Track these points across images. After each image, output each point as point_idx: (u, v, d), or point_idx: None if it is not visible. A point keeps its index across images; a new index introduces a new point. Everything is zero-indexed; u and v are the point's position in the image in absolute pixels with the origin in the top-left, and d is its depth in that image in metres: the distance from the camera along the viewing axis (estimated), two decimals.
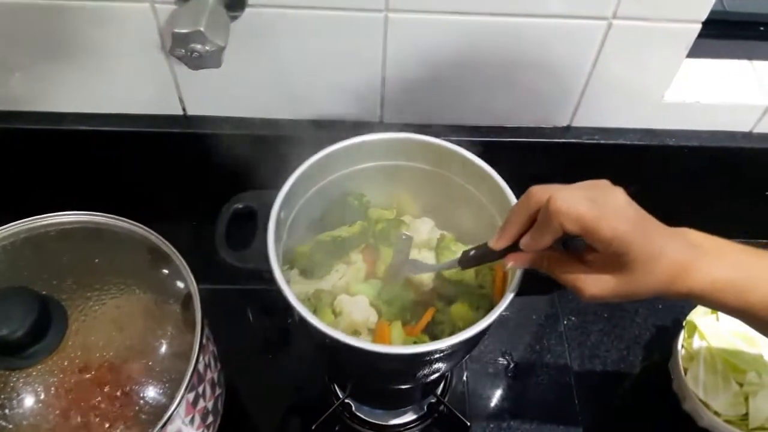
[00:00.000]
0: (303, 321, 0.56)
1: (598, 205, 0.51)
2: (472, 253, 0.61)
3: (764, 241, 0.98)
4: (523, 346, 0.90)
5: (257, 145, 0.85)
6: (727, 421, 0.77)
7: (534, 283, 0.62)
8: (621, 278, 0.52)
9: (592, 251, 0.53)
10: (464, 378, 0.86)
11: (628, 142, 0.86)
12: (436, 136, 0.70)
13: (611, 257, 0.52)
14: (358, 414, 0.80)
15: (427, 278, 0.71)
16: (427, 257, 0.72)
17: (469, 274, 0.69)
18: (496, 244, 0.57)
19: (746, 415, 0.77)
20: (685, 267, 0.52)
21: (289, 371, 0.84)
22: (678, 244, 0.53)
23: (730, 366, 0.79)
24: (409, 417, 0.81)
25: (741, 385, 0.78)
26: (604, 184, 0.54)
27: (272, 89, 0.82)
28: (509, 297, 0.58)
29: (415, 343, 0.65)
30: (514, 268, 0.58)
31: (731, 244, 0.55)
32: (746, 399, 0.78)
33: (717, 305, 0.54)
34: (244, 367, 0.83)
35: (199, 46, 0.64)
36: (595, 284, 0.53)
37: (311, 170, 0.66)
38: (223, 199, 0.69)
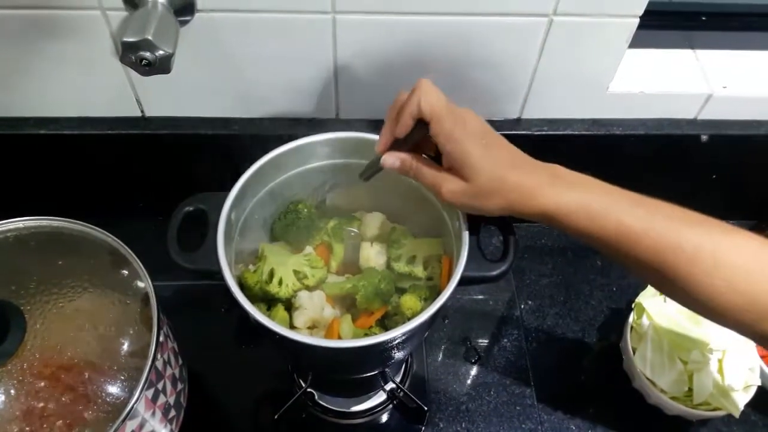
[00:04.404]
0: (255, 320, 0.58)
1: (452, 109, 0.58)
2: (367, 164, 0.67)
3: None
4: (481, 331, 0.93)
5: (217, 144, 0.87)
6: (673, 398, 0.81)
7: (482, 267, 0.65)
8: (469, 184, 0.58)
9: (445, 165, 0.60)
10: (424, 364, 0.89)
11: (576, 132, 0.88)
12: None
13: (456, 162, 0.58)
14: (320, 402, 0.83)
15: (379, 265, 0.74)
16: (379, 250, 0.75)
17: (419, 266, 0.72)
18: (378, 148, 0.63)
19: (690, 391, 0.81)
20: (533, 189, 0.57)
21: (257, 363, 0.87)
22: (533, 168, 0.59)
23: (676, 345, 0.83)
24: (370, 403, 0.84)
25: (685, 363, 0.82)
26: (464, 108, 0.60)
27: (228, 90, 0.84)
28: (451, 288, 0.60)
29: (365, 335, 0.68)
30: (389, 166, 0.63)
31: (594, 179, 0.58)
32: (690, 376, 0.81)
33: (571, 229, 0.57)
34: (213, 359, 0.85)
35: (147, 54, 0.65)
36: (451, 183, 0.59)
37: (261, 172, 0.68)
38: (185, 197, 0.70)
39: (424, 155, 0.63)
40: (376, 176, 0.74)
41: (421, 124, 0.58)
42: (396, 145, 0.62)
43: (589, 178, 0.58)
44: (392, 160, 0.62)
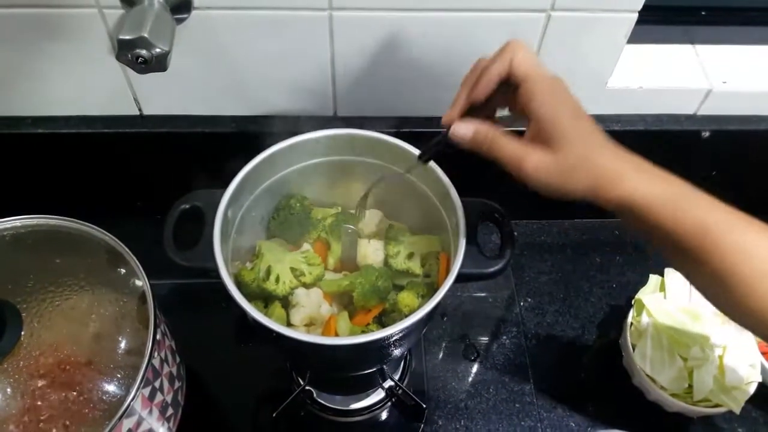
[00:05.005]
0: (251, 317, 0.58)
1: (546, 73, 0.53)
2: (430, 144, 0.62)
3: None
4: (480, 329, 0.92)
5: (215, 142, 0.87)
6: (673, 395, 0.81)
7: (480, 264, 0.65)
8: (556, 158, 0.52)
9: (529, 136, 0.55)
10: (423, 361, 0.89)
11: None
12: (390, 128, 0.71)
13: (547, 128, 0.52)
14: (319, 400, 0.83)
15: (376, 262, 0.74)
16: (377, 247, 0.74)
17: (416, 263, 0.72)
18: (449, 115, 0.58)
19: (690, 387, 0.81)
20: (621, 173, 0.52)
21: (255, 361, 0.86)
22: (619, 153, 0.54)
23: (676, 341, 0.82)
24: (368, 401, 0.84)
25: (685, 359, 0.82)
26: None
27: (226, 87, 0.83)
28: (448, 284, 0.60)
29: (362, 332, 0.68)
30: (460, 138, 0.57)
31: (670, 174, 0.55)
32: (690, 373, 0.81)
33: (650, 221, 0.52)
34: (211, 358, 0.86)
35: (144, 52, 0.65)
36: (534, 157, 0.53)
37: (258, 169, 0.68)
38: (183, 195, 0.70)
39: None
40: (366, 170, 0.74)
41: (505, 87, 0.54)
42: (470, 112, 0.57)
43: (666, 173, 0.54)
44: (465, 129, 0.56)
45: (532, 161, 0.53)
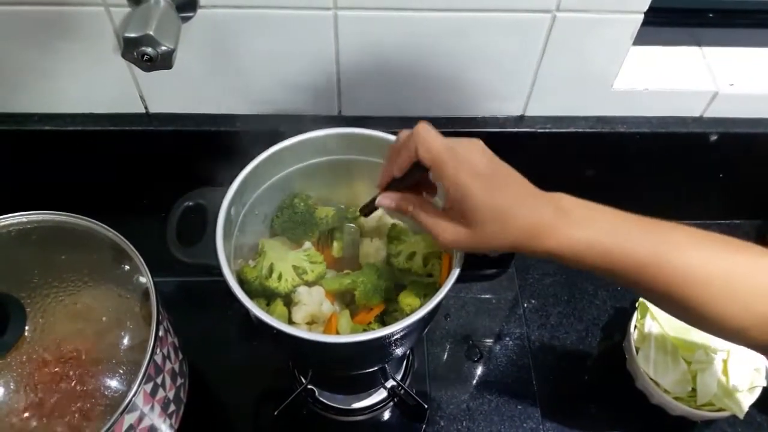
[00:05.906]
0: (253, 314, 0.58)
1: (454, 151, 0.54)
2: (367, 201, 0.65)
3: (718, 221, 1.00)
4: (483, 330, 0.92)
5: (220, 141, 0.87)
6: (676, 399, 0.81)
7: (483, 265, 0.65)
8: (471, 231, 0.55)
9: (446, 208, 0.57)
10: (426, 362, 0.89)
11: (581, 130, 0.88)
12: (394, 127, 0.71)
13: (458, 206, 0.54)
14: (320, 399, 0.83)
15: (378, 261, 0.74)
16: (379, 246, 0.75)
17: (418, 263, 0.72)
18: (377, 184, 0.62)
19: (694, 391, 0.80)
20: (541, 228, 0.54)
21: (258, 359, 0.87)
22: (537, 206, 0.54)
23: (680, 345, 0.82)
24: (370, 401, 0.84)
25: (689, 363, 0.81)
26: (469, 140, 0.56)
27: (231, 86, 0.84)
28: (448, 285, 0.60)
29: (364, 331, 0.68)
30: (385, 207, 0.61)
31: (603, 209, 0.55)
32: (694, 377, 0.81)
33: (579, 266, 0.55)
34: (214, 355, 0.86)
35: (149, 49, 0.65)
36: (450, 231, 0.56)
37: (261, 167, 0.68)
38: (187, 193, 0.71)
39: (425, 193, 0.62)
40: (370, 169, 0.74)
41: (420, 166, 0.56)
42: (395, 183, 0.60)
43: (594, 208, 0.55)
44: (388, 201, 0.61)
45: (449, 235, 0.56)
